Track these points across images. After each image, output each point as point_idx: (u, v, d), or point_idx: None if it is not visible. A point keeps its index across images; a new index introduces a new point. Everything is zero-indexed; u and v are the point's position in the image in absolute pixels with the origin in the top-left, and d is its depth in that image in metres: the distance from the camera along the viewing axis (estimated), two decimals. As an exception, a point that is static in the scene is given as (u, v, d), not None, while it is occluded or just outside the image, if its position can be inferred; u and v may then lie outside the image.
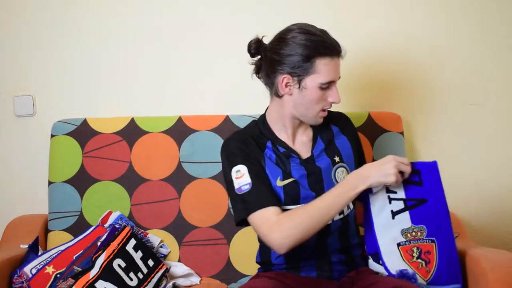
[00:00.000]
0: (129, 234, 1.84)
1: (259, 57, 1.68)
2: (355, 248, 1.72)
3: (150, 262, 1.85)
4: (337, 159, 1.69)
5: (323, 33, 1.61)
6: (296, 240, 1.52)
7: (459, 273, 1.61)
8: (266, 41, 1.67)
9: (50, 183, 2.05)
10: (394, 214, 1.62)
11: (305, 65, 1.58)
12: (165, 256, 2.00)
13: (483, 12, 2.24)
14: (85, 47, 2.22)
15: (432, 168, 1.62)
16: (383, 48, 2.23)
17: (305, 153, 1.69)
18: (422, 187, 1.61)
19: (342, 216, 1.67)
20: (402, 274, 1.57)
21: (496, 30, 2.25)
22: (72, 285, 1.69)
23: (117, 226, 1.91)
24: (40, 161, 2.17)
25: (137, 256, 1.83)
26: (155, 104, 2.22)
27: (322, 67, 1.58)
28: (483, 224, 2.27)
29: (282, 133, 1.69)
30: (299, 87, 1.60)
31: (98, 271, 1.73)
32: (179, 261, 2.00)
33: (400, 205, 1.61)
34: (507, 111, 2.28)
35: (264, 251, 1.70)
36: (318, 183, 1.65)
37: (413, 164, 1.60)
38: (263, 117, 1.73)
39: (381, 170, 1.52)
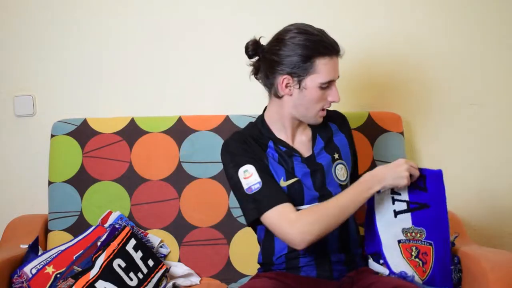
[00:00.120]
0: (129, 234, 1.84)
1: (257, 58, 1.69)
2: (355, 248, 1.72)
3: (150, 262, 1.85)
4: (336, 156, 1.71)
5: (321, 32, 1.61)
6: (316, 236, 1.53)
7: (450, 279, 1.66)
8: (264, 42, 1.67)
9: (50, 183, 2.05)
10: (396, 213, 1.67)
11: (304, 66, 1.58)
12: (165, 256, 2.00)
13: (483, 12, 2.25)
14: (85, 47, 2.22)
15: (437, 176, 1.67)
16: (383, 48, 2.23)
17: (305, 152, 1.70)
18: (426, 193, 1.66)
19: None
20: (403, 277, 1.62)
21: (496, 30, 2.25)
22: (72, 285, 1.69)
23: (117, 226, 1.91)
24: (40, 161, 2.17)
25: (137, 256, 1.83)
26: (155, 104, 2.22)
27: (322, 67, 1.58)
28: (483, 224, 2.27)
29: (282, 133, 1.70)
30: (299, 88, 1.60)
31: (98, 271, 1.73)
32: (179, 261, 2.00)
33: (403, 206, 1.66)
34: (507, 111, 2.28)
35: (267, 252, 1.70)
36: (321, 181, 1.66)
37: (420, 170, 1.64)
38: (261, 117, 1.73)
39: (395, 173, 1.57)
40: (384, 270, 1.66)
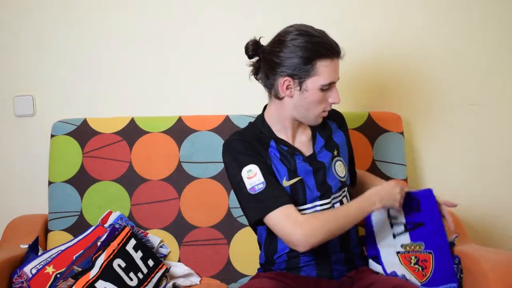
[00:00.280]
0: (129, 234, 1.84)
1: (257, 58, 1.68)
2: (355, 247, 1.72)
3: (150, 262, 1.85)
4: (335, 152, 1.72)
5: (322, 34, 1.60)
6: (320, 240, 1.55)
7: (454, 273, 1.67)
8: (264, 42, 1.67)
9: (50, 183, 2.05)
10: (395, 235, 1.74)
11: (305, 68, 1.57)
12: (165, 256, 2.00)
13: (483, 13, 2.24)
14: (85, 47, 2.22)
15: (428, 195, 1.73)
16: (383, 48, 2.23)
17: (306, 151, 1.70)
18: (420, 213, 1.73)
19: None
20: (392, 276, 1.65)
21: (496, 30, 2.25)
22: (72, 285, 1.69)
23: (117, 226, 1.91)
24: (40, 161, 2.17)
25: (137, 256, 1.83)
26: (155, 104, 2.22)
27: (323, 69, 1.58)
28: (483, 224, 2.27)
29: (282, 134, 1.70)
30: (300, 89, 1.60)
31: (98, 271, 1.73)
32: (179, 261, 2.00)
33: (401, 228, 1.74)
34: (507, 111, 2.27)
35: (268, 250, 1.70)
36: (323, 178, 1.66)
37: (412, 193, 1.73)
38: (261, 117, 1.73)
39: (391, 195, 1.63)
40: (383, 271, 1.68)
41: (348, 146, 1.80)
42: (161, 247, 2.00)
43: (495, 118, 2.27)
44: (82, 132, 2.07)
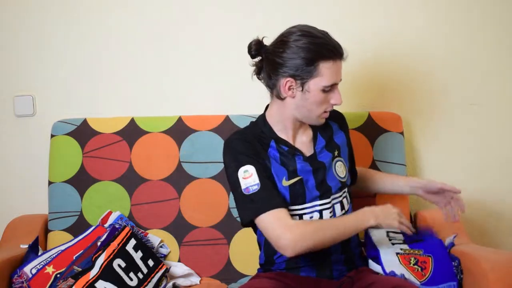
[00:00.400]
0: (129, 234, 1.85)
1: (259, 58, 1.68)
2: (355, 248, 1.72)
3: (150, 262, 1.85)
4: (336, 153, 1.72)
5: (325, 35, 1.60)
6: (307, 247, 1.54)
7: (454, 273, 1.68)
8: (267, 42, 1.67)
9: (50, 183, 2.05)
10: (393, 244, 1.78)
11: (308, 69, 1.57)
12: (165, 256, 2.00)
13: (483, 13, 2.24)
14: (85, 47, 2.22)
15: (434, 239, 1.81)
16: (383, 48, 2.23)
17: (307, 151, 1.70)
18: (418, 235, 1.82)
19: (344, 211, 1.69)
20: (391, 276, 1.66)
21: (496, 30, 2.25)
22: (72, 285, 1.69)
23: (117, 226, 1.91)
24: (40, 161, 2.17)
25: (137, 256, 1.83)
26: (155, 104, 2.22)
27: (325, 70, 1.58)
28: (483, 224, 2.27)
29: (283, 134, 1.70)
30: (302, 90, 1.60)
31: (98, 271, 1.73)
32: (179, 261, 2.00)
33: (399, 239, 1.78)
34: (507, 111, 2.27)
35: (268, 250, 1.70)
36: (323, 178, 1.66)
37: (418, 233, 1.82)
38: (263, 117, 1.73)
39: (388, 214, 1.62)
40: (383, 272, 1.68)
41: (348, 146, 1.80)
42: (161, 247, 2.00)
43: (495, 118, 2.27)
44: (82, 132, 2.07)
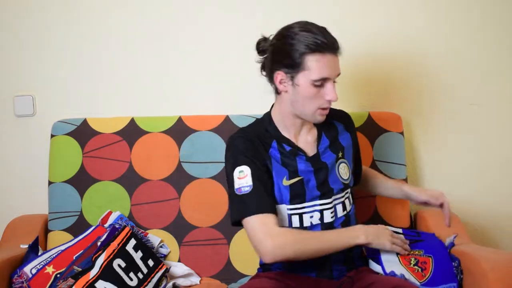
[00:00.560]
0: (129, 234, 1.84)
1: (266, 55, 1.69)
2: (355, 248, 1.71)
3: (150, 262, 1.85)
4: (340, 154, 1.72)
5: (320, 30, 1.58)
6: (287, 256, 1.54)
7: (454, 274, 1.68)
8: None
9: (50, 183, 2.05)
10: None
11: (294, 62, 1.57)
12: (165, 256, 2.00)
13: (483, 13, 2.24)
14: (85, 47, 2.22)
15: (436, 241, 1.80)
16: (383, 48, 2.23)
17: (310, 151, 1.70)
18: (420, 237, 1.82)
19: (345, 212, 1.69)
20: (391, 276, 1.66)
21: (496, 30, 2.25)
22: (72, 285, 1.69)
23: (117, 226, 1.91)
24: (40, 161, 2.17)
25: (137, 256, 1.83)
26: (155, 104, 2.22)
27: (313, 64, 1.56)
28: (483, 224, 2.27)
29: (286, 132, 1.70)
30: (292, 84, 1.60)
31: (98, 271, 1.73)
32: (179, 261, 2.00)
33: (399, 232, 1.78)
34: (507, 111, 2.27)
35: None
36: (324, 179, 1.66)
37: (417, 233, 1.82)
38: (268, 115, 1.73)
39: (380, 234, 1.63)
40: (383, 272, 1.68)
41: (355, 147, 1.79)
42: (161, 247, 2.00)
43: (495, 118, 2.27)
44: (82, 132, 2.07)
